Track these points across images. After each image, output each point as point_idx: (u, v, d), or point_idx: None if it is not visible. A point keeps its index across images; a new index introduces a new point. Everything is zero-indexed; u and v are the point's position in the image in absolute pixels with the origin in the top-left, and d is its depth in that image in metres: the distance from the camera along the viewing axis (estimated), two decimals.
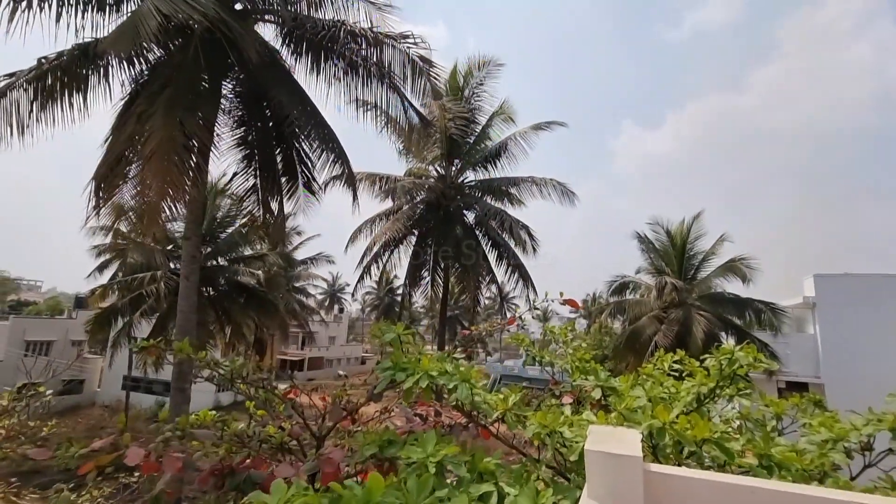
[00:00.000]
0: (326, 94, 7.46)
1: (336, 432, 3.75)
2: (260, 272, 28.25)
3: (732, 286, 18.21)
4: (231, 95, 7.36)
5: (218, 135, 7.46)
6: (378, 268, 13.64)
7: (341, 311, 68.80)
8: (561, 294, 3.67)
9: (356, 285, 13.91)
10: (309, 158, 8.19)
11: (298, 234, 31.08)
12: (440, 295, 13.38)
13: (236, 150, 7.70)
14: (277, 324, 29.13)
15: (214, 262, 20.39)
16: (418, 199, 14.06)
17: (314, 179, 8.85)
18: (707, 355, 2.96)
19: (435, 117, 12.43)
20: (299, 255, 30.90)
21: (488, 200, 13.91)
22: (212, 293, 20.08)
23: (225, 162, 8.16)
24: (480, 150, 14.21)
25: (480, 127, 14.22)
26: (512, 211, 14.18)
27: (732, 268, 17.70)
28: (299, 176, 8.87)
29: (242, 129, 7.51)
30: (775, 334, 16.56)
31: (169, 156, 4.70)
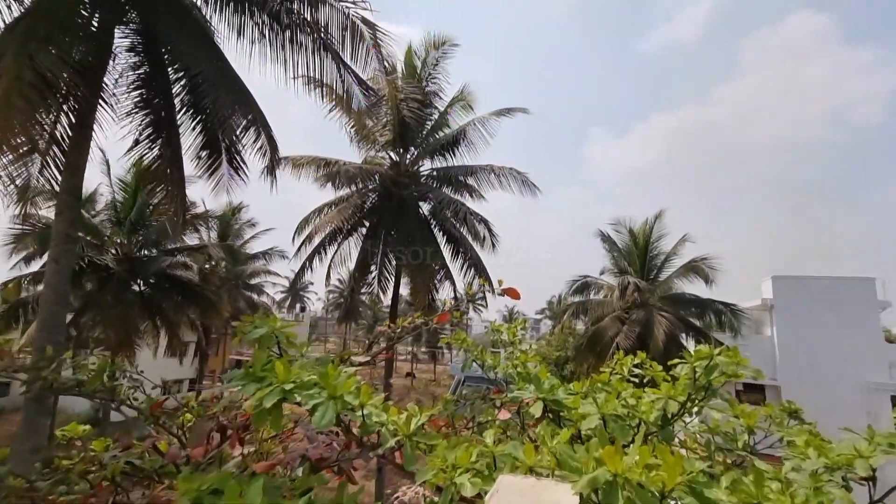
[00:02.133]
0: (249, 54, 6.51)
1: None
2: (206, 266, 26.47)
3: (694, 287, 18.40)
4: (131, 47, 6.28)
5: (114, 95, 6.37)
6: (321, 261, 12.68)
7: (303, 309, 67.19)
8: (500, 282, 2.99)
9: (295, 279, 12.85)
10: (234, 133, 7.20)
11: (252, 225, 29.48)
12: (389, 291, 12.58)
13: (141, 114, 6.61)
14: (224, 323, 27.43)
15: (145, 253, 18.72)
16: (370, 186, 13.17)
17: (239, 155, 7.85)
18: (678, 360, 2.33)
19: (385, 95, 11.62)
20: (254, 249, 29.26)
21: (446, 191, 13.23)
22: (143, 288, 18.42)
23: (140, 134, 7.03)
24: (438, 138, 13.51)
25: (438, 113, 13.52)
26: (474, 205, 13.60)
27: (694, 268, 17.85)
28: (223, 152, 7.85)
29: (143, 89, 6.44)
30: (734, 336, 16.78)
31: (11, 99, 3.71)
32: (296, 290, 66.41)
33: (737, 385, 18.18)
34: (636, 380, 3.97)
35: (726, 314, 16.73)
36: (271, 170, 6.90)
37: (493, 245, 13.48)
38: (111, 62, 5.86)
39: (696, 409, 3.47)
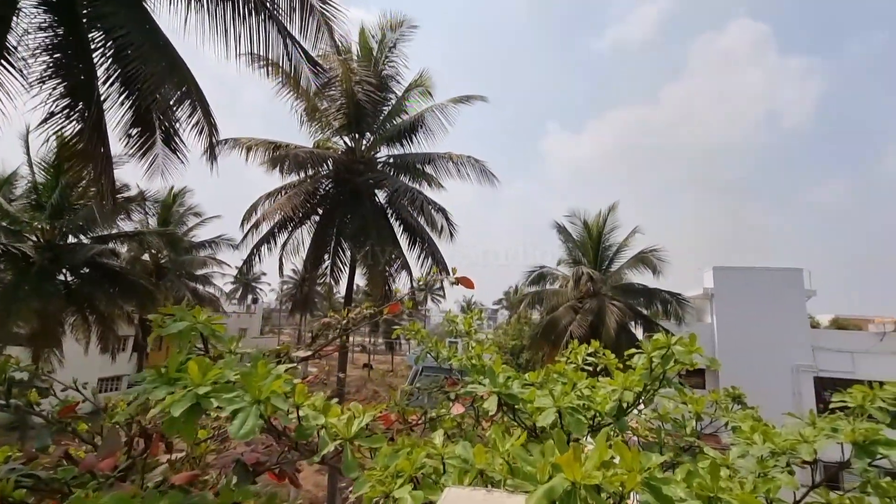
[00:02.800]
0: (185, 23, 5.95)
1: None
2: (143, 254, 24.72)
3: (643, 277, 19.16)
4: (41, 1, 5.55)
5: (24, 59, 5.62)
6: (270, 251, 12.07)
7: (255, 301, 65.07)
8: (454, 271, 2.85)
9: (241, 269, 12.19)
10: (168, 107, 6.59)
11: (197, 213, 27.82)
12: (344, 282, 12.21)
13: (54, 82, 5.88)
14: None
15: (71, 240, 17.17)
16: (323, 172, 12.65)
17: (177, 134, 7.24)
18: (634, 350, 2.27)
19: (338, 77, 11.13)
20: (202, 237, 27.64)
21: (403, 179, 12.94)
22: (70, 278, 16.92)
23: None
24: (395, 125, 13.16)
25: (395, 98, 13.15)
26: (432, 194, 13.38)
27: (643, 259, 18.58)
28: (157, 130, 7.20)
29: (58, 53, 5.72)
30: (679, 324, 17.66)
31: None
32: (247, 280, 63.96)
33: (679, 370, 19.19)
34: (589, 368, 3.97)
35: (672, 303, 17.56)
36: (210, 150, 6.39)
37: (451, 234, 13.37)
38: (15, 18, 5.15)
39: (648, 396, 3.47)
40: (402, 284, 13.26)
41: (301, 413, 1.90)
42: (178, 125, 7.17)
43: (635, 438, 4.43)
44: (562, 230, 20.99)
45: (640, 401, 2.29)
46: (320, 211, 12.77)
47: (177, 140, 7.28)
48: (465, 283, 2.71)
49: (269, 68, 8.30)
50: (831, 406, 2.48)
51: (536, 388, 2.97)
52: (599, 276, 18.26)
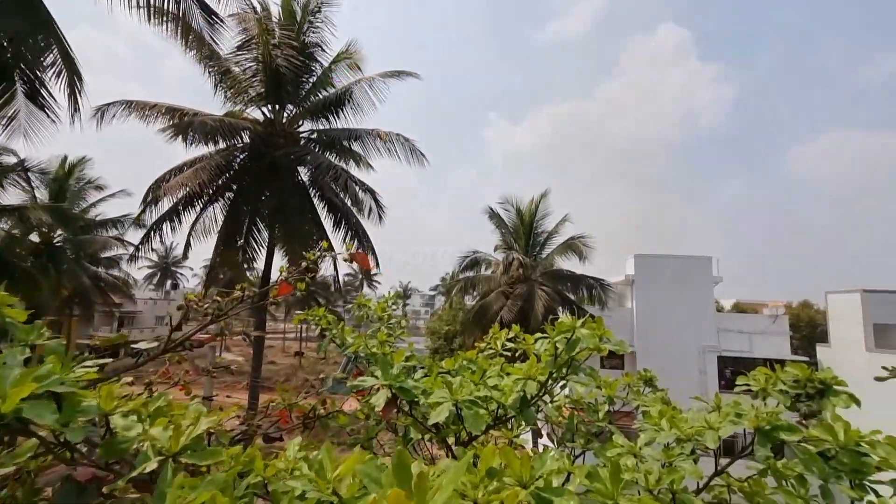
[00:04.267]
0: None
1: None
2: (22, 232, 21.71)
3: (571, 264, 19.87)
4: None
5: None
6: (174, 229, 10.85)
7: (175, 287, 60.34)
8: (348, 247, 2.48)
9: (137, 248, 10.86)
10: (21, 49, 5.50)
11: (99, 188, 24.72)
12: (257, 264, 11.33)
13: None
14: (64, 302, 22.86)
15: None
16: (238, 145, 11.54)
17: (45, 87, 6.12)
18: (540, 335, 2.05)
19: (253, 38, 10.13)
20: (109, 214, 24.62)
21: (329, 158, 12.17)
22: None
23: None
24: (321, 98, 12.30)
25: (321, 69, 12.27)
26: (361, 175, 12.71)
27: (572, 246, 19.24)
28: (16, 81, 6.04)
29: None
30: (602, 309, 18.55)
31: None
32: (165, 264, 59.04)
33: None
34: (508, 353, 3.80)
35: (596, 288, 18.39)
36: (73, 100, 5.41)
37: (381, 217, 12.87)
38: None
39: (561, 382, 3.32)
40: (325, 267, 12.60)
41: (113, 422, 1.47)
42: (44, 76, 6.05)
43: (546, 430, 4.34)
44: (494, 216, 21.20)
45: (546, 391, 2.09)
46: (234, 187, 11.68)
47: (44, 94, 6.15)
48: (360, 260, 2.37)
49: (151, 11, 7.18)
50: (736, 389, 2.43)
51: (452, 376, 2.72)
52: (530, 262, 18.68)
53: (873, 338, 16.25)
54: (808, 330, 39.40)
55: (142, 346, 1.91)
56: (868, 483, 1.95)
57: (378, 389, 2.10)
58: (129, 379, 2.63)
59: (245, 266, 10.97)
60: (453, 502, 0.75)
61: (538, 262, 20.09)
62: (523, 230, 20.72)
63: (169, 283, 61.53)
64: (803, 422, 2.18)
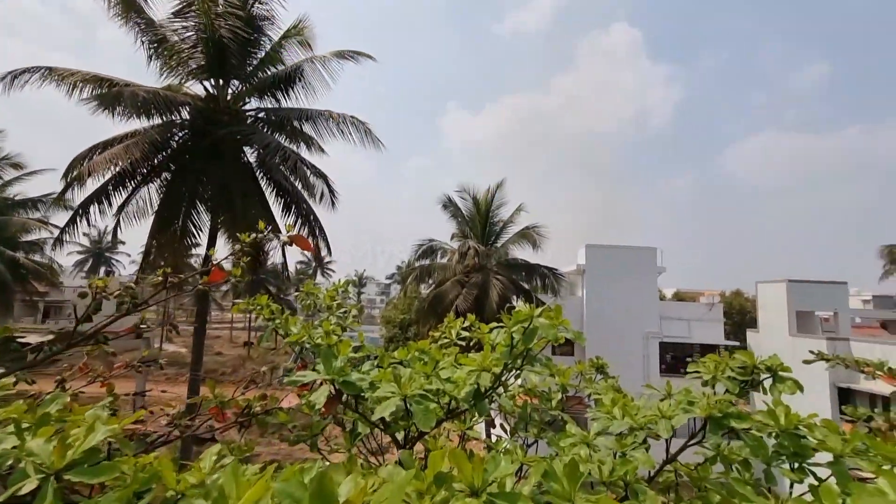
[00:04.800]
0: None
1: None
2: None
3: (525, 253, 20.19)
4: None
5: None
6: (104, 212, 9.91)
7: (109, 274, 56.00)
8: (288, 229, 2.26)
9: (62, 232, 9.83)
10: None
11: (16, 166, 22.37)
12: (199, 251, 10.60)
13: None
14: None
15: None
16: (176, 121, 10.66)
17: None
18: (495, 324, 1.94)
19: (192, 2, 9.31)
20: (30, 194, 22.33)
21: (279, 139, 11.53)
22: None
23: None
24: (269, 74, 11.58)
25: (270, 44, 11.53)
26: (313, 159, 12.15)
27: (526, 235, 19.52)
28: None
29: None
30: (555, 297, 19.02)
31: None
32: (99, 250, 54.73)
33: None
34: (463, 343, 3.71)
35: (549, 277, 18.80)
36: None
37: (333, 203, 12.41)
38: None
39: (515, 372, 3.24)
40: (273, 254, 12.03)
41: None
42: None
43: (499, 421, 4.29)
44: (450, 204, 21.13)
45: (500, 383, 1.99)
46: (172, 167, 10.81)
47: None
48: (301, 243, 2.16)
49: None
50: (687, 376, 2.45)
51: (404, 367, 2.58)
52: (485, 251, 18.79)
53: (796, 324, 17.68)
54: (739, 317, 42.47)
55: (30, 339, 1.62)
56: (807, 466, 2.00)
57: (319, 385, 1.92)
58: (30, 378, 2.29)
59: (184, 253, 10.21)
60: None
61: (493, 251, 20.26)
62: (479, 219, 20.80)
63: (102, 270, 57.30)
64: (734, 402, 2.22)
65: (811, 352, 3.87)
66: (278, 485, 0.82)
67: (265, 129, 11.66)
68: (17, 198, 22.48)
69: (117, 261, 59.01)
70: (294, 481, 0.83)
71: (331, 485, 0.59)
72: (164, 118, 10.35)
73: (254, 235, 2.29)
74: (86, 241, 54.14)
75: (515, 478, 1.50)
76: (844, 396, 15.12)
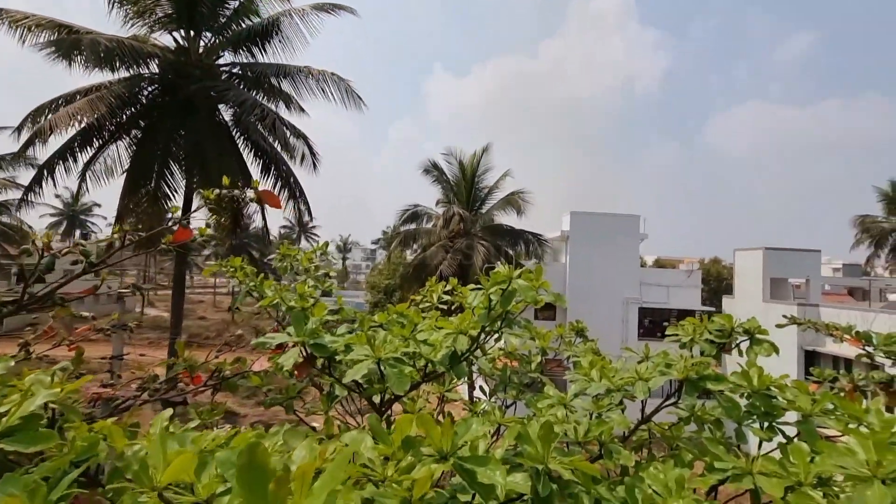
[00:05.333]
0: None
1: None
2: None
3: (510, 219, 20.17)
4: None
5: None
6: (70, 169, 9.42)
7: (85, 237, 54.39)
8: (255, 184, 2.13)
9: (26, 192, 9.36)
10: None
11: None
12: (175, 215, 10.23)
13: None
14: None
15: None
16: (144, 74, 10.05)
17: None
18: (472, 286, 1.87)
19: None
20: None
21: (256, 97, 11.00)
22: None
23: None
24: (244, 27, 10.91)
25: None
26: (293, 119, 11.65)
27: (511, 201, 19.43)
28: None
29: None
30: (539, 263, 19.16)
31: None
32: (73, 212, 52.95)
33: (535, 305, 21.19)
34: (444, 306, 3.68)
35: (534, 243, 18.89)
36: None
37: (315, 165, 12.06)
38: None
39: (495, 335, 3.22)
40: (254, 218, 11.75)
41: None
42: None
43: (481, 382, 4.32)
44: (435, 169, 20.80)
45: (478, 346, 1.94)
46: (142, 124, 10.28)
47: None
48: (269, 199, 2.04)
49: None
50: (666, 339, 2.44)
51: (384, 330, 2.53)
52: (470, 217, 18.69)
53: (770, 290, 18.22)
54: (716, 283, 43.68)
55: None
56: (776, 425, 2.03)
57: (290, 347, 1.85)
58: None
59: (160, 216, 9.80)
60: None
61: (479, 217, 20.17)
62: (465, 184, 20.57)
63: (77, 232, 55.76)
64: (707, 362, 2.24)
65: (784, 316, 3.94)
66: (221, 454, 0.75)
67: (241, 86, 11.10)
68: None
69: (92, 223, 57.39)
70: (238, 450, 0.75)
71: (263, 456, 0.51)
72: (131, 71, 9.72)
73: (217, 192, 2.15)
74: (59, 203, 52.37)
75: (493, 439, 1.47)
76: (810, 359, 15.84)
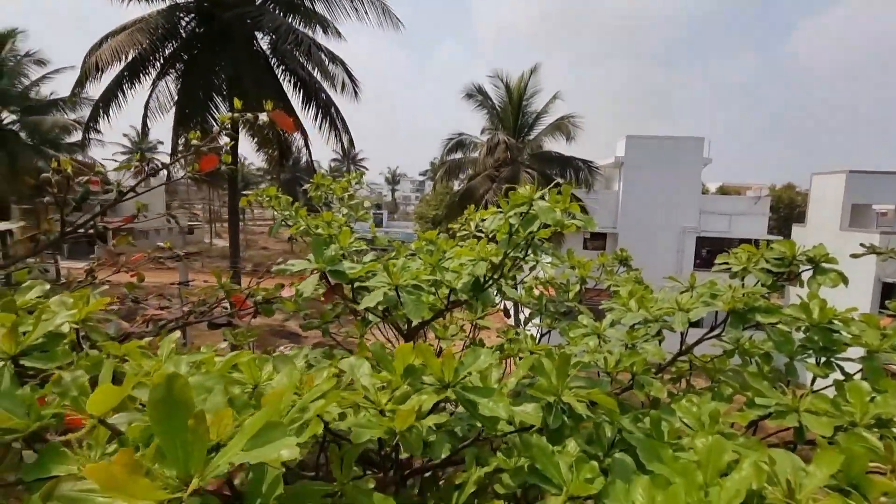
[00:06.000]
0: None
1: None
2: None
3: (558, 144, 19.16)
4: None
5: None
6: (121, 107, 9.77)
7: (154, 173, 57.99)
8: (269, 106, 2.04)
9: (86, 129, 9.86)
10: None
11: (40, 62, 22.04)
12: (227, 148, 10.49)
13: None
14: (33, 191, 21.93)
15: None
16: (179, 3, 9.88)
17: None
18: (493, 209, 1.74)
19: None
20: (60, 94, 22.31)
21: (291, 22, 10.59)
22: None
23: None
24: None
25: None
26: (332, 45, 11.20)
27: (560, 126, 18.32)
28: None
29: None
30: (588, 191, 18.38)
31: None
32: (139, 150, 56.13)
33: (585, 234, 20.61)
34: (482, 234, 3.59)
35: (584, 171, 17.98)
36: None
37: (356, 93, 11.77)
38: None
39: (530, 264, 3.11)
40: (303, 152, 11.86)
41: None
42: None
43: (511, 307, 4.28)
44: (479, 93, 19.74)
45: (502, 274, 1.85)
46: (185, 57, 10.31)
47: None
48: (281, 120, 1.95)
49: None
50: (714, 269, 2.24)
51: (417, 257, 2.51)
52: (516, 144, 17.91)
53: (849, 218, 16.54)
54: (787, 211, 40.34)
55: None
56: (835, 361, 1.85)
57: (309, 274, 1.84)
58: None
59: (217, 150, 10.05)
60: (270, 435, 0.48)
61: (526, 144, 19.29)
62: (512, 109, 19.51)
63: (149, 168, 59.31)
64: (767, 296, 2.04)
65: (862, 245, 3.52)
66: (195, 377, 0.71)
67: (275, 11, 10.70)
68: (52, 97, 22.45)
69: (159, 161, 60.72)
70: (214, 374, 0.72)
71: (182, 391, 0.46)
72: (168, 1, 9.59)
73: (230, 115, 2.09)
74: (126, 142, 55.45)
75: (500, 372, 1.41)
76: (889, 293, 14.58)
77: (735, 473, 0.99)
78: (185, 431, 0.44)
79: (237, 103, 2.12)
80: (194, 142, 2.16)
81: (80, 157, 26.35)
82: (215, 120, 10.21)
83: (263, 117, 2.02)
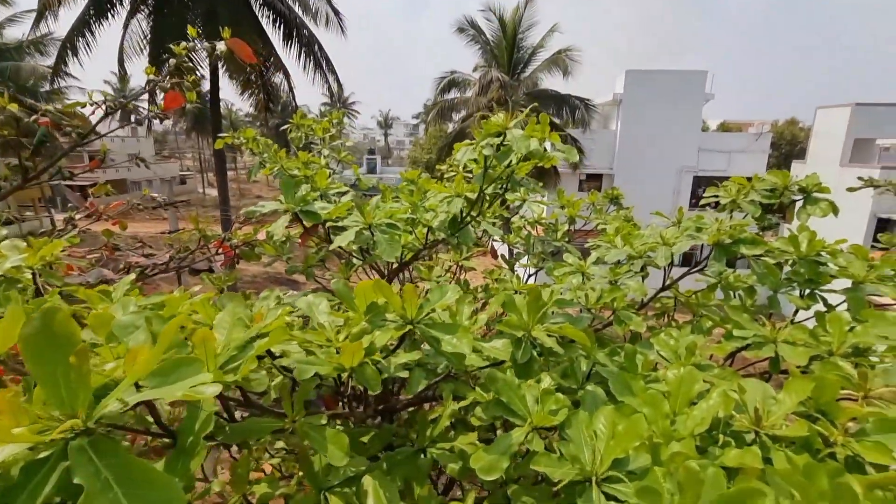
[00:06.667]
0: None
1: None
2: None
3: (555, 81, 18.40)
4: None
5: None
6: (91, 44, 9.14)
7: (139, 123, 56.01)
8: (226, 35, 1.87)
9: (54, 73, 9.31)
10: None
11: (3, 2, 20.55)
12: (201, 88, 9.98)
13: None
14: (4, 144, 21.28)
15: None
16: None
17: None
18: (466, 141, 1.64)
19: None
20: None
21: None
22: None
23: None
24: None
25: None
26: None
27: (557, 60, 17.51)
28: None
29: None
30: (584, 130, 17.89)
31: None
32: (124, 97, 53.70)
33: (580, 175, 20.31)
34: (471, 174, 3.48)
35: (580, 109, 17.39)
36: None
37: (342, 28, 11.06)
38: None
39: (515, 200, 3.04)
40: (287, 94, 11.32)
41: None
42: None
43: (502, 248, 4.24)
44: (472, 27, 18.67)
45: (479, 212, 1.78)
46: None
47: None
48: (240, 50, 1.79)
49: None
50: (702, 202, 2.17)
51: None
52: (509, 81, 17.17)
53: (850, 152, 16.25)
54: (788, 147, 39.64)
55: None
56: (818, 293, 1.83)
57: (280, 215, 1.77)
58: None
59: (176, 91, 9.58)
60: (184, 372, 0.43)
61: (521, 82, 18.50)
62: (506, 45, 18.52)
63: (133, 118, 57.31)
64: (760, 234, 1.99)
65: (860, 178, 3.44)
66: (124, 317, 0.67)
67: None
68: (28, 39, 21.04)
69: (144, 108, 58.51)
70: (141, 314, 0.67)
71: (63, 324, 0.40)
72: None
73: (183, 45, 1.92)
74: (109, 90, 53.16)
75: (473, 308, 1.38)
76: (884, 227, 14.62)
77: (703, 402, 0.98)
78: (67, 368, 0.39)
79: (191, 31, 1.95)
80: (150, 77, 2.00)
81: (58, 106, 25.27)
82: (192, 61, 9.62)
83: (221, 46, 1.85)
